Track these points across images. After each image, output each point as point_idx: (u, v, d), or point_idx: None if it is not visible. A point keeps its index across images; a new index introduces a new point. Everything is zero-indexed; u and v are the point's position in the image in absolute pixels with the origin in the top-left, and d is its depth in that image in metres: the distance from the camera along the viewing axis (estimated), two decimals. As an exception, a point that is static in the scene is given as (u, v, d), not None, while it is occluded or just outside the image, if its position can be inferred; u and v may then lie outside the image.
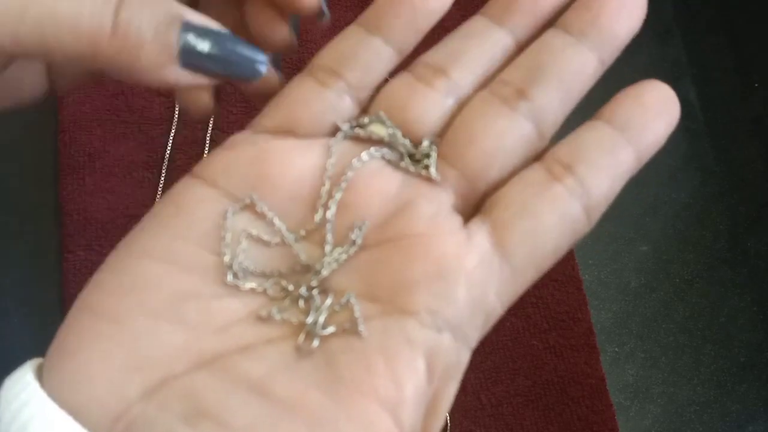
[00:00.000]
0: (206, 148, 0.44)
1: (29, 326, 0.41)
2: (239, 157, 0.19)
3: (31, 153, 0.44)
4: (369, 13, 0.20)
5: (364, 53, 0.20)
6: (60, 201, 0.42)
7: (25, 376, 0.17)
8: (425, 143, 0.19)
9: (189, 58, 0.18)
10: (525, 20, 0.20)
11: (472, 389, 0.41)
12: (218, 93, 0.23)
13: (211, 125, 0.45)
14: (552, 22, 0.20)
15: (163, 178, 0.43)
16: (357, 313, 0.17)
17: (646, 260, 0.46)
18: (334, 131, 0.19)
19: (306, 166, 0.19)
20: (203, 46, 0.18)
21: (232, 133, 0.47)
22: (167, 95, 0.45)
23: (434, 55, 0.20)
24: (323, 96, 0.19)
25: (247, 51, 0.19)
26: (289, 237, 0.19)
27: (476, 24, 0.21)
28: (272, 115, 0.20)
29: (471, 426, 0.40)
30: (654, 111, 0.19)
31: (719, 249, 0.47)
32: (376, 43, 0.20)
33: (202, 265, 0.18)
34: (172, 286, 0.18)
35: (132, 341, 0.17)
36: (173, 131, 0.44)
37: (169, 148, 0.44)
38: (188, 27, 0.18)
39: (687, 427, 0.43)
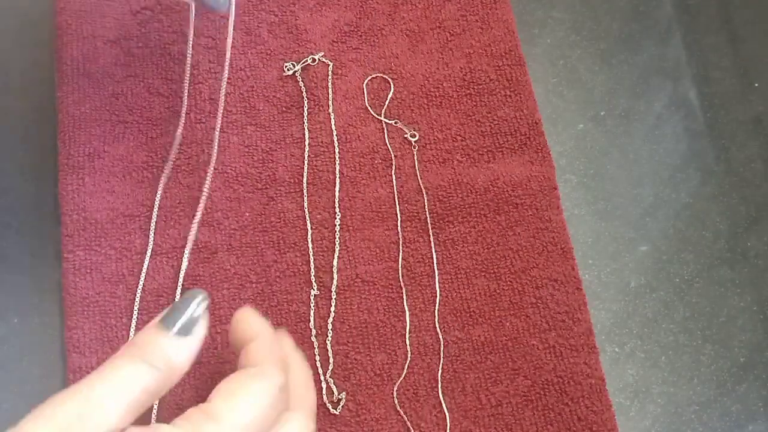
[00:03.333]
0: (215, 149, 0.44)
1: (29, 326, 0.41)
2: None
3: (31, 153, 0.44)
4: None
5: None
6: (60, 201, 0.42)
7: None
8: None
9: None
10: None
11: (471, 389, 0.41)
12: None
13: (218, 125, 0.45)
14: None
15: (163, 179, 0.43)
16: None
17: (646, 260, 0.46)
18: None
19: None
20: None
21: (232, 133, 0.47)
22: (167, 95, 0.45)
23: None
24: None
25: None
26: None
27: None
28: None
29: (471, 426, 0.40)
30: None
31: (719, 249, 0.47)
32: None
33: None
34: None
35: None
36: (180, 129, 0.44)
37: (176, 147, 0.44)
38: None
39: (687, 427, 0.43)
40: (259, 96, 0.46)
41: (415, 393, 0.41)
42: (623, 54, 0.50)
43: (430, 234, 0.44)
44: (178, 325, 0.29)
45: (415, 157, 0.45)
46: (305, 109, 0.46)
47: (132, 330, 0.40)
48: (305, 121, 0.45)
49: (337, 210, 0.44)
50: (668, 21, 0.51)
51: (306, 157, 0.45)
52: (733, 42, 0.51)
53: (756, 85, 0.50)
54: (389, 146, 0.45)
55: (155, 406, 0.30)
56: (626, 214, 0.47)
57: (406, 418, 0.40)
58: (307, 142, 0.45)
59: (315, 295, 0.42)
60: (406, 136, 0.46)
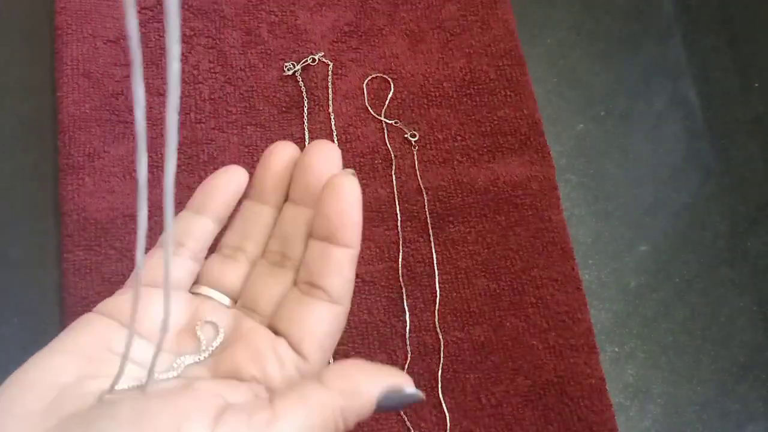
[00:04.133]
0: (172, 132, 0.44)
1: (29, 326, 0.41)
2: (123, 299, 0.27)
3: (31, 153, 0.44)
4: (194, 200, 0.29)
5: (195, 228, 0.28)
6: (60, 201, 0.42)
7: None
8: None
9: None
10: (276, 195, 0.29)
11: (472, 389, 0.41)
12: None
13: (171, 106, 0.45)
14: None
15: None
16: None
17: (646, 260, 0.46)
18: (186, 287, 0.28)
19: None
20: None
21: (232, 133, 0.47)
22: (167, 95, 0.45)
23: (231, 237, 0.29)
24: (175, 261, 0.28)
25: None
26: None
27: (248, 208, 0.29)
28: (144, 273, 0.27)
29: (471, 426, 0.40)
30: (338, 207, 0.27)
31: (719, 249, 0.47)
32: (202, 220, 0.28)
33: (74, 373, 0.24)
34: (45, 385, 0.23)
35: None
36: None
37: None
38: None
39: (687, 427, 0.43)
40: (259, 96, 0.46)
41: (415, 393, 0.41)
42: (623, 54, 0.50)
43: (430, 234, 0.44)
44: None
45: (415, 157, 0.45)
46: (305, 109, 0.46)
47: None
48: (305, 121, 0.45)
49: (337, 210, 0.44)
50: (668, 21, 0.51)
51: (306, 157, 0.45)
52: (733, 42, 0.51)
53: (756, 85, 0.51)
54: (389, 146, 0.45)
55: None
56: (626, 214, 0.47)
57: (405, 418, 0.40)
58: (307, 142, 0.45)
59: (315, 295, 0.42)
60: (406, 136, 0.46)
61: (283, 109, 0.46)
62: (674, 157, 0.48)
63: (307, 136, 0.45)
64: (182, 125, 0.44)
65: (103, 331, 0.26)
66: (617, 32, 0.51)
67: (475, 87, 0.47)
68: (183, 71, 0.45)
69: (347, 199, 0.26)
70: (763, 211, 0.48)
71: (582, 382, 0.41)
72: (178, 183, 0.43)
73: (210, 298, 0.28)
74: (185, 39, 0.46)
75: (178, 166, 0.44)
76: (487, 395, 0.41)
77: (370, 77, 0.47)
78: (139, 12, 0.46)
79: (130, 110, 0.44)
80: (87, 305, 0.40)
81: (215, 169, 0.44)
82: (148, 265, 0.27)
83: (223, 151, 0.44)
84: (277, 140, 0.45)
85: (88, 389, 0.23)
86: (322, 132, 0.45)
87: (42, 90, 0.45)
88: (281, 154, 0.29)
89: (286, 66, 0.46)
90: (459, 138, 0.46)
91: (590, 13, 0.51)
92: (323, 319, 0.26)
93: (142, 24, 0.46)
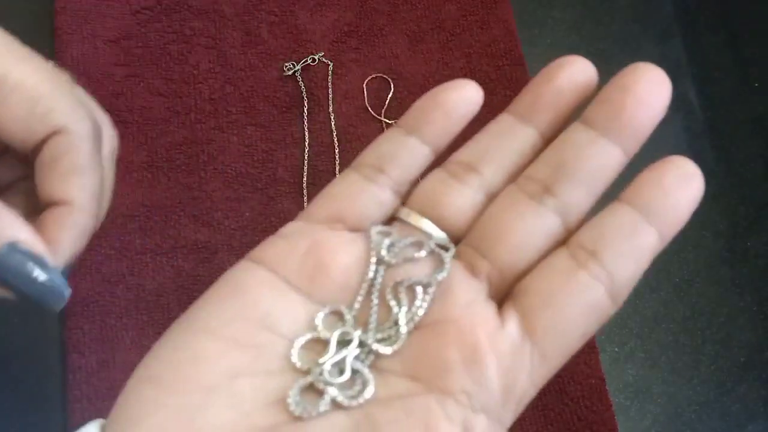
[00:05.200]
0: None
1: (29, 326, 0.41)
2: (295, 247, 0.21)
3: (31, 153, 0.44)
4: (407, 117, 0.22)
5: (403, 152, 0.22)
6: (60, 201, 0.42)
7: None
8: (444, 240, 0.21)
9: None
10: (549, 116, 0.22)
11: (472, 389, 0.41)
12: None
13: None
14: (576, 115, 0.22)
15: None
16: (370, 386, 0.19)
17: (646, 260, 0.46)
18: (380, 222, 0.22)
19: (354, 257, 0.20)
20: (20, 268, 0.22)
21: (232, 133, 0.47)
22: (167, 95, 0.45)
23: (465, 152, 0.23)
24: (368, 190, 0.22)
25: (57, 281, 0.23)
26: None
27: (503, 122, 0.23)
28: (322, 205, 0.22)
29: (471, 426, 0.40)
30: (675, 191, 0.20)
31: (719, 249, 0.47)
32: (414, 143, 0.22)
33: (258, 343, 0.19)
34: (229, 362, 0.19)
35: (188, 414, 0.18)
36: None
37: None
38: (13, 248, 0.22)
39: (687, 427, 0.43)
40: (259, 96, 0.46)
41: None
42: (623, 54, 0.50)
43: (430, 234, 0.44)
44: None
45: (415, 157, 0.45)
46: (305, 109, 0.46)
47: (130, 330, 0.40)
48: (305, 121, 0.45)
49: (337, 210, 0.44)
50: (668, 21, 0.51)
51: (306, 157, 0.45)
52: (733, 42, 0.51)
53: (756, 85, 0.50)
54: (389, 146, 0.45)
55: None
56: (626, 214, 0.46)
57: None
58: (307, 142, 0.45)
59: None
60: (406, 136, 0.46)
61: (283, 109, 0.46)
62: (674, 157, 0.48)
63: (307, 136, 0.45)
64: (182, 125, 0.44)
65: (258, 294, 0.20)
66: (617, 32, 0.51)
67: (475, 87, 0.47)
68: (183, 71, 0.45)
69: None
70: (763, 211, 0.48)
71: (582, 382, 0.41)
72: (178, 183, 0.43)
73: (419, 230, 0.21)
74: (185, 39, 0.46)
75: (178, 166, 0.44)
76: (487, 395, 0.41)
77: (370, 77, 0.47)
78: (139, 12, 0.46)
79: (130, 110, 0.44)
80: (87, 305, 0.40)
81: (215, 169, 0.44)
82: (336, 190, 0.22)
83: (223, 151, 0.44)
84: (277, 140, 0.45)
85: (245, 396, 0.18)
86: (322, 132, 0.45)
87: (42, 90, 0.45)
88: (575, 69, 0.22)
89: (286, 66, 0.46)
90: (459, 138, 0.46)
91: (590, 13, 0.51)
92: (588, 312, 0.19)
93: (142, 24, 0.46)
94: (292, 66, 0.46)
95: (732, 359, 0.44)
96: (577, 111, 0.22)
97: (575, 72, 0.22)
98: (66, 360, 0.39)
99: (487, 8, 0.49)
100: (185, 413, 0.18)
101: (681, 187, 0.20)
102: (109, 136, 0.28)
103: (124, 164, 0.43)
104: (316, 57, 0.47)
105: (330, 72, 0.47)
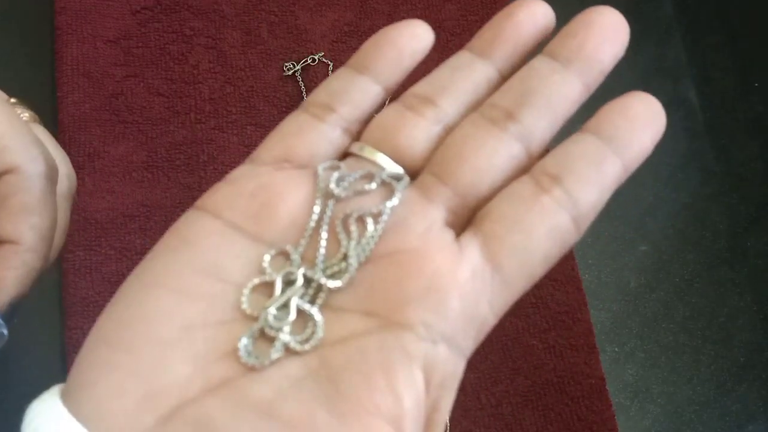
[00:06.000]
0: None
1: (28, 326, 0.41)
2: (241, 190, 0.20)
3: (31, 153, 0.44)
4: (357, 56, 0.22)
5: (353, 90, 0.21)
6: (60, 201, 0.42)
7: (53, 401, 0.18)
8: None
9: None
10: (507, 53, 0.22)
11: (472, 389, 0.41)
12: None
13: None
14: (535, 51, 0.22)
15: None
16: (319, 327, 0.18)
17: (646, 260, 0.46)
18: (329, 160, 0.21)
19: (302, 195, 0.20)
20: None
21: (232, 133, 0.47)
22: (167, 95, 0.45)
23: (422, 86, 0.22)
24: (317, 128, 0.21)
25: None
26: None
27: (461, 57, 0.23)
28: (270, 147, 0.21)
29: (471, 426, 0.40)
30: (640, 123, 0.20)
31: (719, 249, 0.47)
32: (364, 81, 0.22)
33: (209, 293, 0.19)
34: (181, 315, 0.18)
35: (145, 371, 0.18)
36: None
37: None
38: None
39: (687, 427, 0.43)
40: (259, 96, 0.46)
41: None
42: (623, 54, 0.50)
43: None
44: None
45: (415, 157, 0.45)
46: (305, 109, 0.46)
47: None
48: (305, 121, 0.45)
49: (337, 210, 0.44)
50: (668, 21, 0.51)
51: (306, 157, 0.45)
52: (733, 42, 0.51)
53: (756, 85, 0.50)
54: (389, 146, 0.45)
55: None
56: (626, 214, 0.47)
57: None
58: (307, 142, 0.45)
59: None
60: (406, 136, 0.46)
61: (283, 109, 0.46)
62: (674, 157, 0.48)
63: (307, 136, 0.45)
64: (182, 125, 0.44)
65: (206, 242, 0.19)
66: (617, 32, 0.51)
67: (475, 87, 0.47)
68: (183, 71, 0.45)
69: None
70: (763, 211, 0.48)
71: (582, 382, 0.41)
72: (178, 183, 0.43)
73: (374, 165, 0.20)
74: (185, 39, 0.46)
75: (178, 166, 0.44)
76: (487, 395, 0.41)
77: (370, 77, 0.47)
78: (138, 12, 0.46)
79: (130, 110, 0.44)
80: (87, 305, 0.40)
81: (215, 169, 0.44)
82: (284, 131, 0.21)
83: (223, 151, 0.44)
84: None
85: (196, 350, 0.18)
86: (322, 132, 0.45)
87: (42, 90, 0.45)
88: (536, 10, 0.22)
89: (286, 66, 0.46)
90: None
91: (590, 13, 0.51)
92: (552, 236, 0.18)
93: (142, 24, 0.46)
94: (292, 66, 0.46)
95: (732, 359, 0.44)
96: (532, 53, 0.22)
97: (536, 12, 0.22)
98: (66, 360, 0.39)
99: (487, 8, 0.49)
100: (141, 372, 0.18)
101: (646, 120, 0.20)
102: (66, 176, 0.28)
103: (124, 164, 0.43)
104: (316, 57, 0.47)
105: (330, 72, 0.47)
